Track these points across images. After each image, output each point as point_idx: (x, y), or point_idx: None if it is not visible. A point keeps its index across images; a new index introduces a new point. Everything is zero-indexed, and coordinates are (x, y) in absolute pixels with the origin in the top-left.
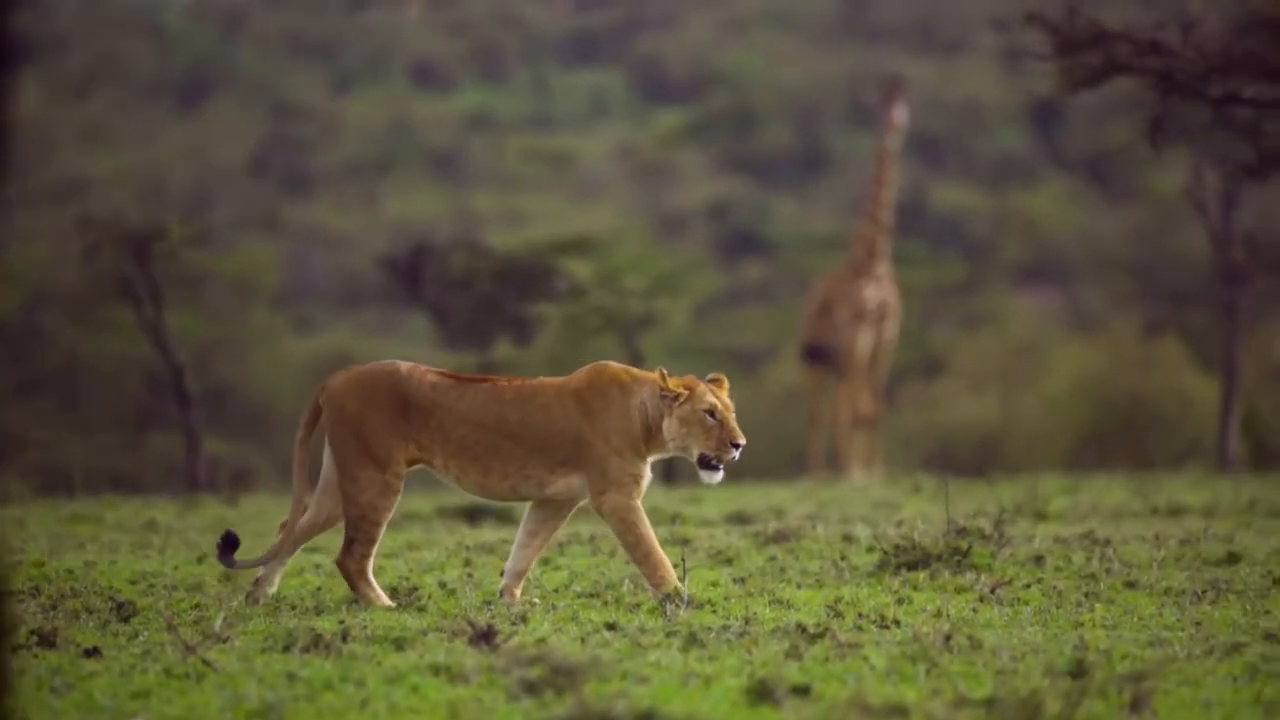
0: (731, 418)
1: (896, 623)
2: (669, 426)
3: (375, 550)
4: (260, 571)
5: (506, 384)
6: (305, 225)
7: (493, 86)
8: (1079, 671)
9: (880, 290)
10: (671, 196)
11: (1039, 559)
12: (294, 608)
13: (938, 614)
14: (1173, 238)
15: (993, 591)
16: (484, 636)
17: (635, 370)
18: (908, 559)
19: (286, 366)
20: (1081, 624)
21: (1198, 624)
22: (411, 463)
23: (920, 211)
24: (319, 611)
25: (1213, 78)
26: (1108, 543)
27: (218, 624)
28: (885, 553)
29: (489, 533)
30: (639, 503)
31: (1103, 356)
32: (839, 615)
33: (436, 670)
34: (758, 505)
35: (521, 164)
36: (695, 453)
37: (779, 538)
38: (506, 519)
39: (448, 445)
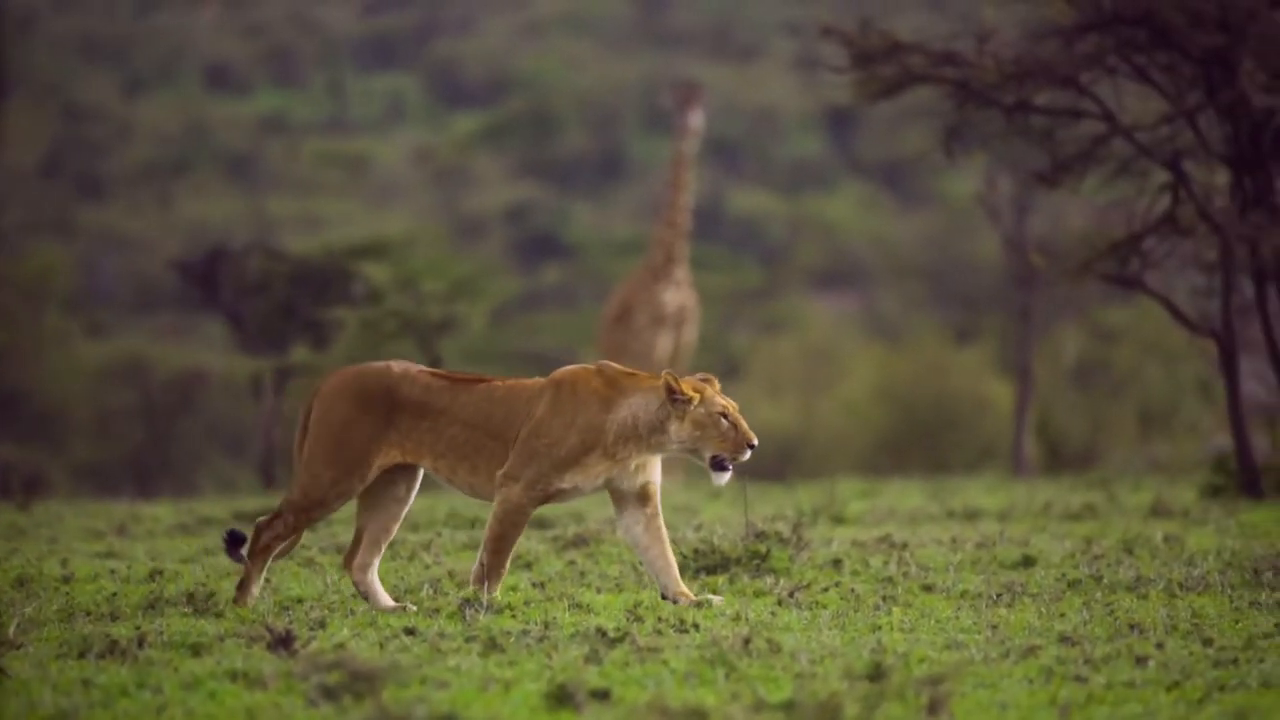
0: (742, 419)
1: (695, 626)
2: (679, 430)
3: (297, 538)
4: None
5: (500, 384)
6: (98, 228)
7: (288, 89)
8: (877, 674)
9: (679, 294)
10: (469, 200)
11: (837, 563)
12: (89, 614)
13: (737, 618)
14: (967, 243)
15: (791, 595)
16: (282, 642)
17: (623, 377)
18: (707, 563)
19: (79, 371)
20: (879, 627)
21: (994, 627)
22: (391, 467)
23: (718, 216)
24: (114, 618)
25: (1006, 86)
26: (905, 546)
27: (11, 630)
28: (684, 557)
29: None
30: (530, 511)
31: (900, 361)
32: (638, 619)
33: (234, 676)
34: (557, 510)
35: (318, 168)
36: (707, 455)
37: (578, 542)
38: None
39: (439, 445)
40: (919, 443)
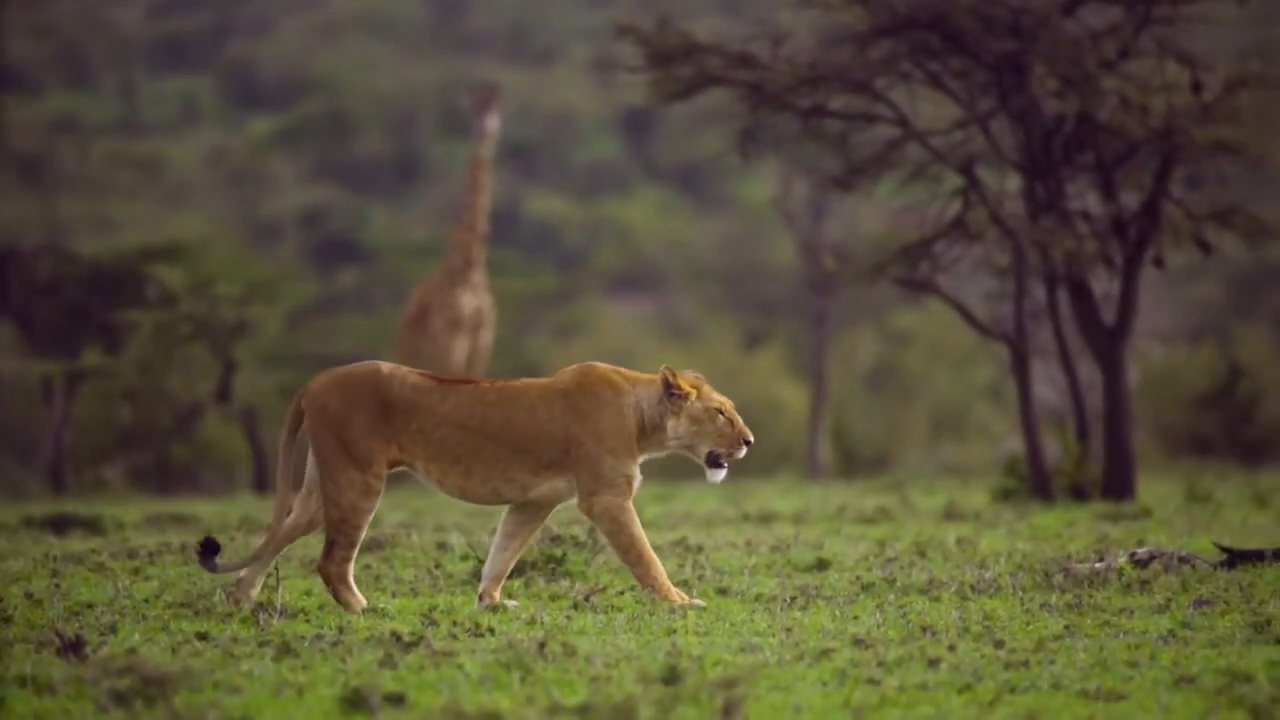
0: (738, 416)
1: (491, 630)
2: (676, 425)
3: (355, 554)
4: (241, 573)
5: (489, 385)
6: None
7: (80, 90)
8: (671, 677)
9: (476, 298)
10: (264, 203)
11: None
12: None
13: (532, 621)
14: (762, 247)
15: (587, 599)
16: (72, 647)
17: (625, 370)
18: None
19: None
20: (674, 630)
21: (788, 630)
22: (393, 464)
23: (515, 220)
24: None
25: (801, 90)
26: (700, 549)
27: None
28: (480, 561)
29: (76, 543)
30: (631, 504)
31: (696, 364)
32: (433, 623)
33: (23, 682)
34: None
35: (110, 169)
36: (703, 451)
37: (373, 546)
38: (95, 529)
39: (429, 447)
40: None
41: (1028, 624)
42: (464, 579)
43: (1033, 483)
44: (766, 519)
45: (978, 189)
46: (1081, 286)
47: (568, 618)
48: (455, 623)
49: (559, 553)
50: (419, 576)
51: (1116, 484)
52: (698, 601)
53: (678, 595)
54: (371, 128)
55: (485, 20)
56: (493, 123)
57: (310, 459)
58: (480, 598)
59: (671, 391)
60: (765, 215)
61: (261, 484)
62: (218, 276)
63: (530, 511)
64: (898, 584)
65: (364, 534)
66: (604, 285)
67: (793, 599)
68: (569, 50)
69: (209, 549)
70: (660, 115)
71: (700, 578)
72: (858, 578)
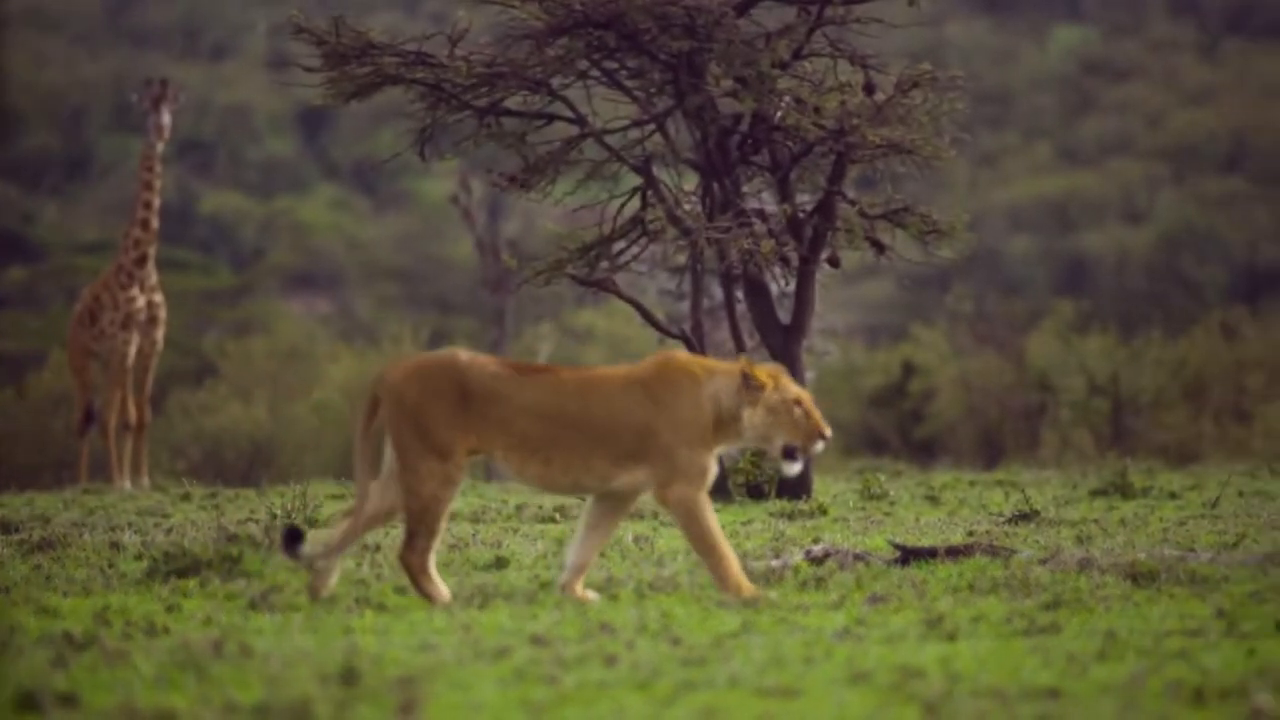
0: (815, 409)
1: (166, 630)
2: (753, 417)
3: (437, 543)
4: (319, 564)
5: (569, 374)
6: None
7: None
8: (349, 677)
9: (147, 295)
10: None
11: (311, 564)
12: None
13: (208, 621)
14: (441, 245)
15: (264, 598)
16: None
17: (706, 360)
18: (177, 566)
19: None
20: (352, 629)
21: (466, 628)
22: (472, 453)
23: (189, 217)
24: None
25: (479, 89)
26: (378, 548)
27: None
28: (154, 560)
29: None
30: (706, 496)
31: (374, 363)
32: (107, 623)
33: None
34: (22, 513)
35: None
36: (779, 444)
37: (44, 545)
38: None
39: (508, 437)
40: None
41: (704, 621)
42: (138, 578)
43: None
44: (450, 516)
45: (655, 188)
46: (758, 285)
47: (244, 617)
48: (129, 622)
49: (235, 552)
50: (91, 576)
51: (793, 482)
52: (771, 594)
53: (749, 589)
54: (41, 123)
55: (158, 14)
56: (165, 118)
57: (388, 449)
58: (562, 589)
59: (750, 383)
60: (443, 213)
61: None
62: None
63: (612, 502)
64: None
65: (444, 524)
66: (280, 283)
67: (471, 597)
68: (244, 46)
69: (292, 537)
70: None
71: (379, 577)
72: (536, 576)
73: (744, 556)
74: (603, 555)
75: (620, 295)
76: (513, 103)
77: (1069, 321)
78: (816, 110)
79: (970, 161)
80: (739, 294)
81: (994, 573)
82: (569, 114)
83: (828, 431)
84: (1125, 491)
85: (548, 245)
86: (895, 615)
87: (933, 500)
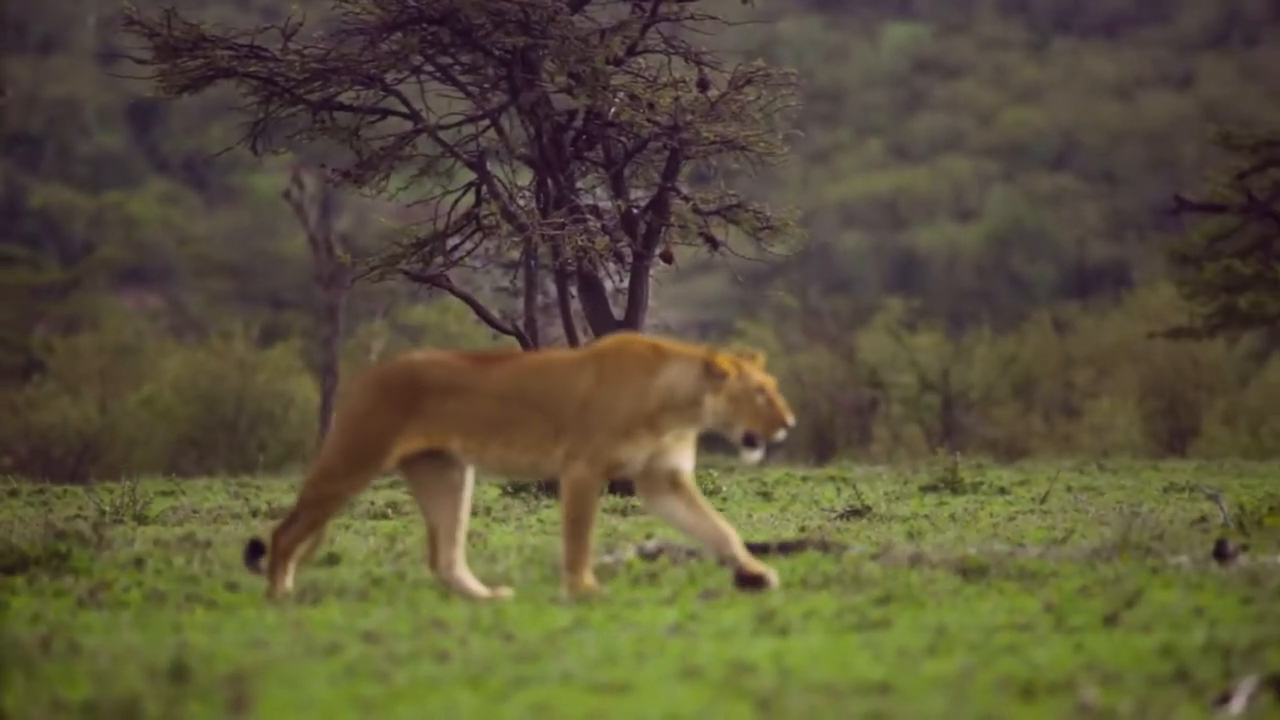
0: (778, 397)
1: None
2: (714, 404)
3: (309, 537)
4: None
5: (530, 356)
6: None
7: None
8: (179, 674)
9: None
10: None
11: (139, 562)
12: None
13: (36, 618)
14: (274, 241)
15: (92, 595)
16: None
17: (664, 345)
18: (5, 563)
19: None
20: (182, 626)
21: (298, 625)
22: (411, 455)
23: (17, 211)
24: None
25: (312, 83)
26: (209, 545)
27: None
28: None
29: None
30: (598, 485)
31: (205, 359)
32: None
33: None
34: None
35: None
36: (740, 431)
37: None
38: None
39: (467, 423)
40: (223, 441)
41: (537, 617)
42: None
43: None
44: (276, 514)
45: (489, 184)
46: (592, 281)
47: (72, 614)
48: None
49: (63, 548)
50: None
51: (623, 480)
52: (605, 591)
53: (587, 585)
54: None
55: None
56: None
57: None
58: (738, 576)
59: (712, 370)
60: (276, 208)
61: None
62: None
63: (664, 494)
64: (409, 578)
65: (330, 519)
66: (110, 278)
67: (303, 594)
68: (73, 38)
69: (255, 550)
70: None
71: (209, 573)
72: (369, 572)
73: None
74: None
75: (454, 291)
76: (346, 97)
77: (900, 318)
78: (651, 106)
79: (803, 158)
80: (573, 290)
81: (826, 568)
82: (403, 109)
83: (790, 419)
84: (955, 487)
85: (381, 241)
86: (727, 610)
87: (765, 496)
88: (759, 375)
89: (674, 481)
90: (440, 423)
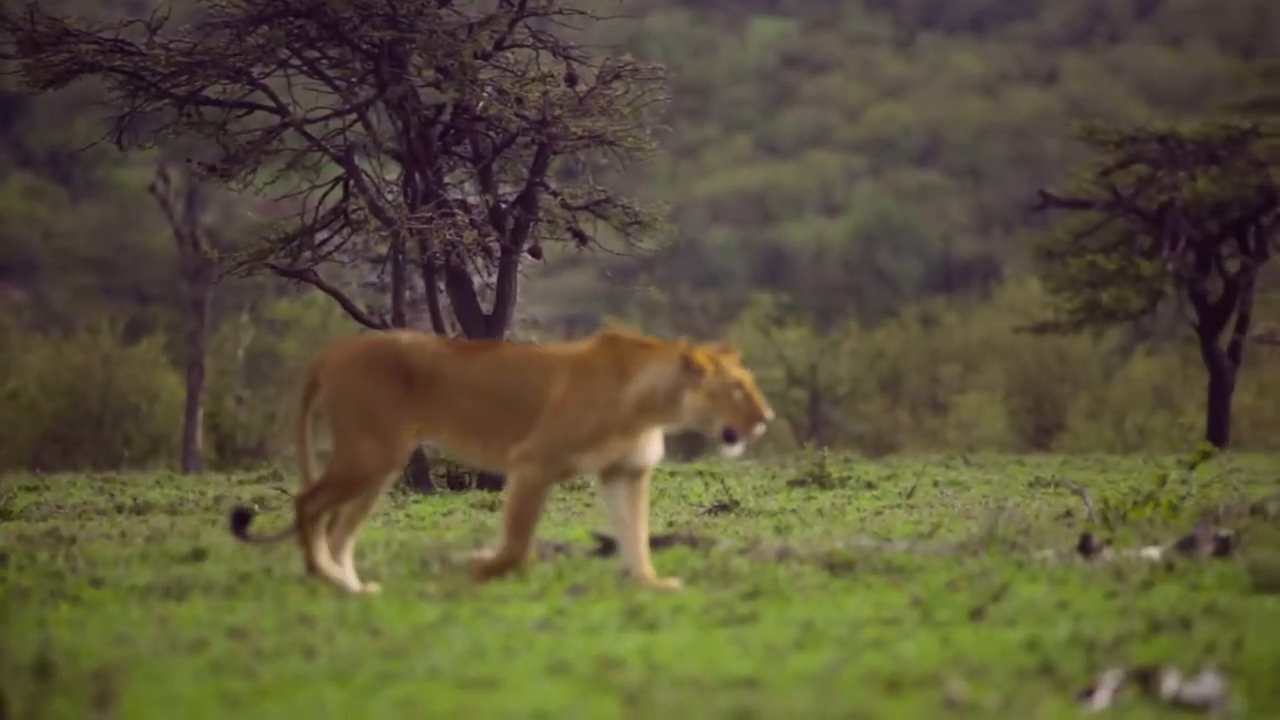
0: (756, 392)
1: None
2: (693, 401)
3: (336, 508)
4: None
5: (511, 350)
6: None
7: None
8: (43, 670)
9: None
10: None
11: (3, 558)
12: None
13: None
14: (139, 235)
15: None
16: None
17: (645, 344)
18: None
19: None
20: (46, 623)
21: (163, 621)
22: (418, 435)
23: None
24: None
25: (178, 77)
26: (74, 541)
27: None
28: None
29: None
30: (548, 489)
31: (70, 353)
32: None
33: None
34: None
35: None
36: (719, 427)
37: None
38: None
39: (450, 416)
40: (89, 436)
41: (405, 613)
42: None
43: (410, 472)
44: (141, 510)
45: (357, 178)
46: (460, 276)
47: None
48: None
49: None
50: None
51: (493, 474)
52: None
53: (491, 579)
54: None
55: None
56: None
57: (335, 424)
58: (632, 575)
59: (690, 367)
60: (141, 202)
61: None
62: None
63: (618, 483)
64: (275, 574)
65: (359, 498)
66: None
67: (168, 590)
68: None
69: (241, 519)
70: (32, 100)
71: (74, 569)
72: (235, 568)
73: (445, 547)
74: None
75: (322, 286)
76: (212, 91)
77: (768, 313)
78: (519, 101)
79: (671, 153)
80: (441, 285)
81: (694, 563)
82: (270, 103)
83: (768, 414)
84: (823, 482)
85: (249, 236)
86: (595, 606)
87: None
88: (736, 370)
89: (635, 474)
90: (427, 410)
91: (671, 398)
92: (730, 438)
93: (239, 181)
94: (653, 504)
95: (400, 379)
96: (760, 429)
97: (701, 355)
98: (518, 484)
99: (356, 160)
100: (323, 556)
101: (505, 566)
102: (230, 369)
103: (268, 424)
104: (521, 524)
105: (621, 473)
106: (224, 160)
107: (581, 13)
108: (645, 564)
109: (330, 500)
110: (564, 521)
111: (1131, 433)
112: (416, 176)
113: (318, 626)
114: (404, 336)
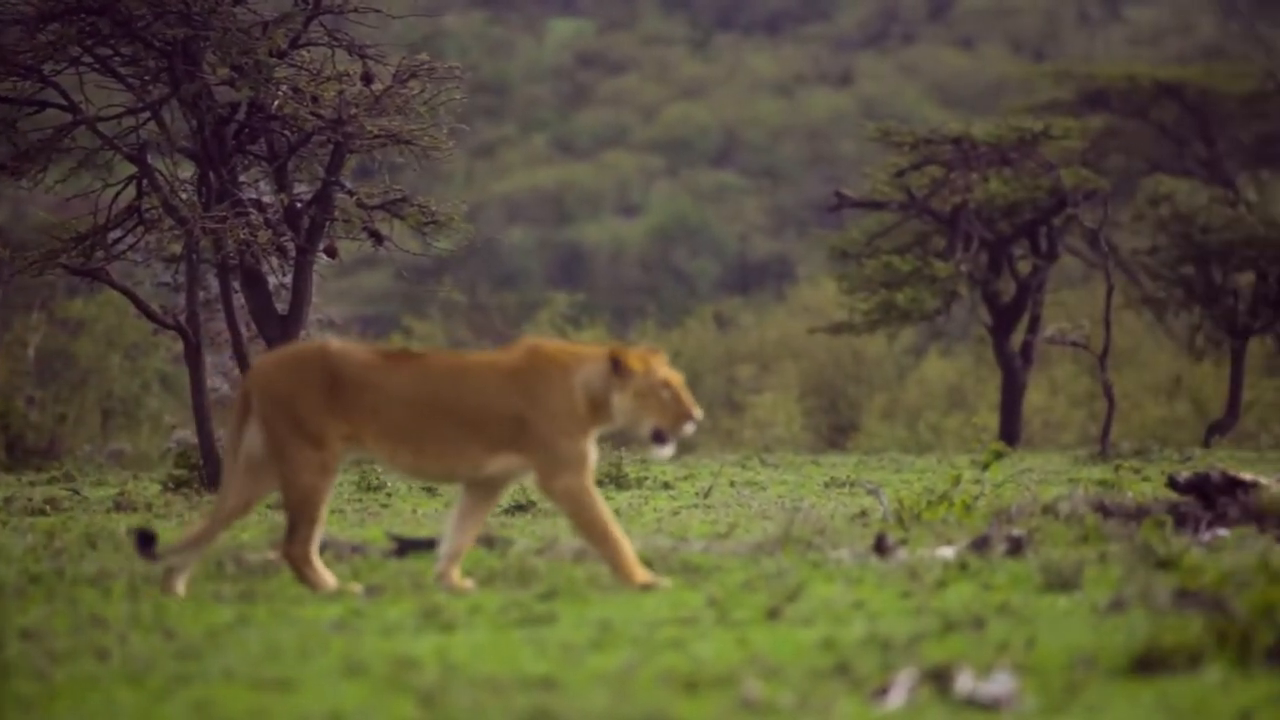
0: (685, 391)
1: None
2: (622, 401)
3: (317, 533)
4: (174, 560)
5: (438, 360)
6: None
7: None
8: None
9: None
10: None
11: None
12: None
13: None
14: None
15: None
16: None
17: (571, 346)
18: None
19: None
20: None
21: None
22: (346, 440)
23: None
24: None
25: None
26: None
27: None
28: None
29: None
30: (591, 483)
31: None
32: None
33: None
34: None
35: None
36: (648, 428)
37: None
38: None
39: (379, 424)
40: None
41: (199, 614)
42: None
43: (205, 472)
44: None
45: (150, 177)
46: (255, 275)
47: None
48: None
49: None
50: None
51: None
52: (664, 581)
53: (643, 576)
54: None
55: None
56: None
57: (253, 439)
58: (438, 578)
59: (619, 368)
60: None
61: None
62: None
63: (485, 489)
64: (68, 576)
65: (324, 512)
66: None
67: None
68: None
69: (146, 539)
70: None
71: None
72: (26, 569)
73: (240, 548)
74: (94, 547)
75: (115, 285)
76: (2, 89)
77: (564, 312)
78: (314, 100)
79: (468, 152)
80: (236, 284)
81: (491, 563)
82: (61, 101)
83: (697, 413)
84: (620, 482)
85: (40, 234)
86: (392, 606)
87: (430, 491)
88: (664, 370)
89: (501, 487)
90: (356, 416)
91: (603, 399)
92: (659, 438)
93: (30, 180)
94: (449, 505)
95: (327, 386)
96: (689, 428)
97: (631, 356)
98: (569, 503)
99: (150, 159)
100: (328, 578)
101: (627, 567)
102: (21, 368)
103: (59, 424)
104: (601, 530)
105: (491, 481)
106: (14, 158)
107: (377, 11)
108: (456, 567)
109: (306, 531)
110: (360, 523)
111: (926, 433)
112: (211, 175)
113: (111, 628)
114: (333, 344)
